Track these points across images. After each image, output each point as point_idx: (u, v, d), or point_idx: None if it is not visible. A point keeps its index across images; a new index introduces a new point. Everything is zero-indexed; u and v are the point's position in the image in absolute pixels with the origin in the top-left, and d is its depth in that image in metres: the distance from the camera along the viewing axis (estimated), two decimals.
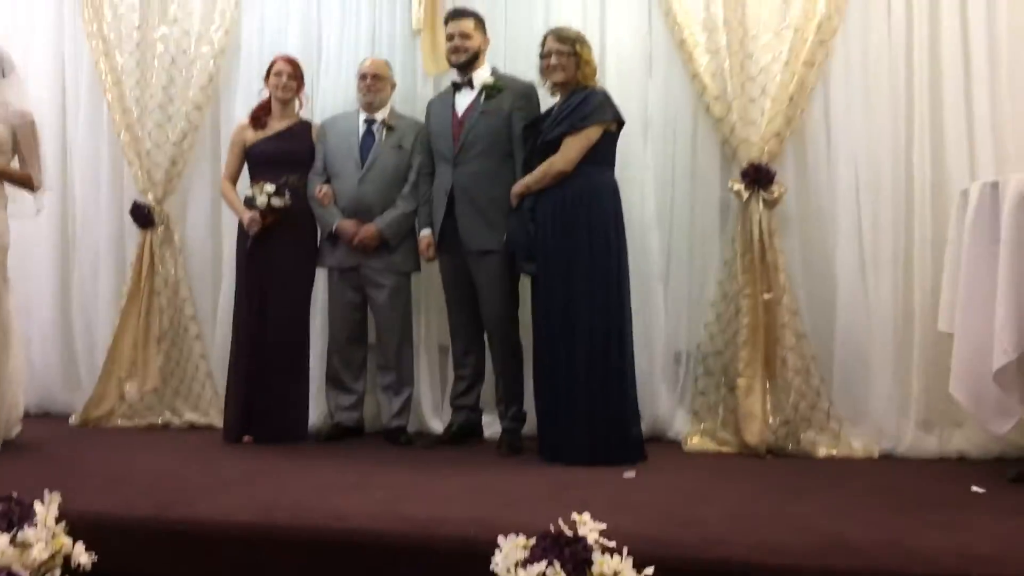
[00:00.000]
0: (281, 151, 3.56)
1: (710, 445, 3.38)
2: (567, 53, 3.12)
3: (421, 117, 3.64)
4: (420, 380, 3.76)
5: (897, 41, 3.41)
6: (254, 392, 3.49)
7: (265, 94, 3.69)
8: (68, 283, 4.21)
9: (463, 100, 3.39)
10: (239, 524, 2.23)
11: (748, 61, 3.47)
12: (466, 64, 3.38)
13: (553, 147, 3.09)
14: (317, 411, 3.75)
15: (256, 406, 3.49)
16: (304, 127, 3.68)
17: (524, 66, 3.48)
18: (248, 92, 4.00)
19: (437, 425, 3.71)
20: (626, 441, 3.03)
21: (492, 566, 1.93)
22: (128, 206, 4.03)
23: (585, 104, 3.06)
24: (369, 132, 3.59)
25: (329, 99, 3.90)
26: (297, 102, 3.71)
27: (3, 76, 3.30)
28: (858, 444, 3.28)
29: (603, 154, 3.11)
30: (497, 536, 1.98)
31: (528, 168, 3.18)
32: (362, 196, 3.50)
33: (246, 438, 3.50)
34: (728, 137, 3.47)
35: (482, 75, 3.39)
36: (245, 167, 3.69)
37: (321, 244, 3.61)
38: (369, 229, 3.44)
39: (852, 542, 2.08)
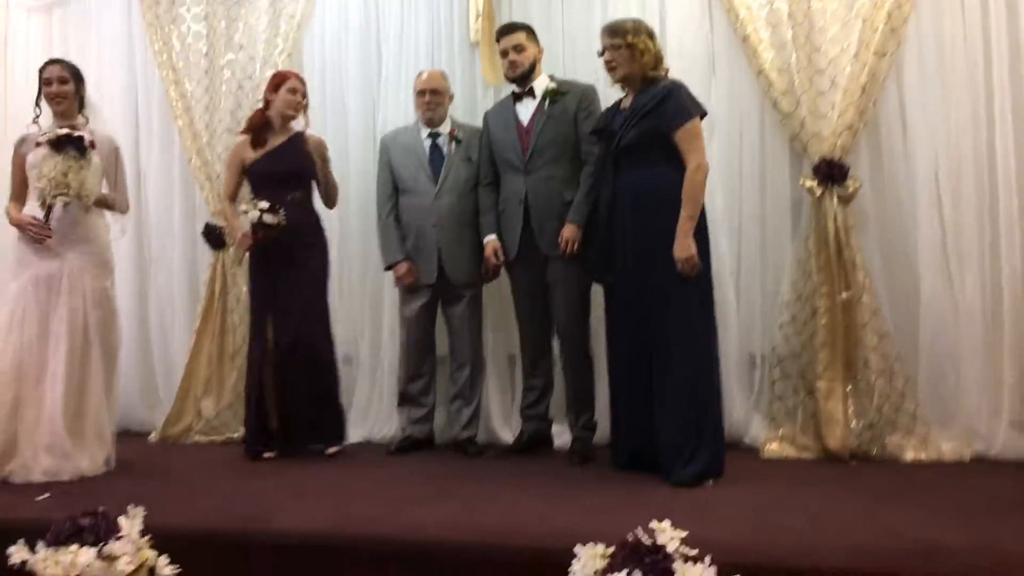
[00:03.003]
0: (281, 169, 3.48)
1: (789, 451, 3.26)
2: (619, 47, 2.95)
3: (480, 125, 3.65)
4: (489, 391, 3.75)
5: (973, 24, 3.27)
6: (275, 408, 3.45)
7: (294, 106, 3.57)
8: (146, 304, 4.35)
9: (526, 109, 3.39)
10: (315, 535, 2.24)
11: (816, 54, 3.37)
12: (523, 77, 3.38)
13: (633, 150, 2.89)
14: (391, 424, 3.77)
15: (278, 421, 3.45)
16: (298, 139, 3.58)
17: (583, 66, 3.48)
18: (312, 112, 4.08)
19: (507, 435, 3.69)
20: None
21: (571, 574, 1.88)
22: (200, 228, 4.15)
23: (671, 101, 2.85)
24: (435, 146, 3.61)
25: (391, 113, 3.95)
26: (304, 119, 3.64)
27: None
28: (947, 447, 3.13)
29: (677, 153, 2.88)
30: (574, 545, 1.94)
31: (602, 171, 3.01)
32: (440, 210, 3.52)
33: (267, 454, 3.43)
34: (798, 132, 3.37)
35: (542, 82, 3.39)
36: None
37: (396, 264, 3.58)
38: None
39: (949, 547, 1.97)
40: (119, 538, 1.99)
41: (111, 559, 1.92)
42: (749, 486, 2.74)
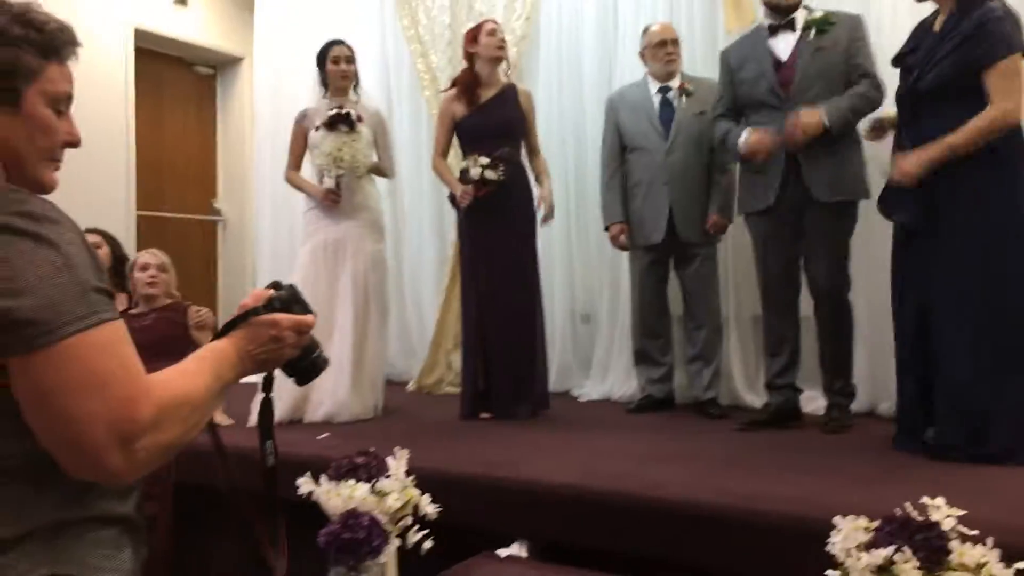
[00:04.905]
0: (493, 123, 3.43)
1: None
2: None
3: None
4: (731, 353, 3.64)
5: None
6: (488, 370, 3.42)
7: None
8: (400, 263, 4.67)
9: (783, 42, 3.08)
10: (559, 486, 2.29)
11: None
12: (788, 10, 3.08)
13: (937, 93, 2.43)
14: (630, 383, 3.80)
15: (491, 383, 3.41)
16: (511, 92, 3.52)
17: None
18: (548, 73, 4.16)
19: (751, 398, 3.56)
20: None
21: (829, 546, 1.77)
22: (447, 192, 4.37)
23: (988, 28, 2.34)
24: (666, 101, 3.52)
25: (628, 70, 3.89)
26: (505, 64, 3.57)
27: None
28: None
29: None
30: (829, 516, 1.82)
31: (901, 113, 2.58)
32: (671, 167, 3.44)
33: (484, 415, 3.41)
34: None
35: (801, 13, 3.09)
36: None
37: (631, 225, 3.55)
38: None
39: None
40: (388, 476, 2.16)
41: (382, 495, 2.10)
42: None
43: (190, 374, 1.04)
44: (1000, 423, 2.41)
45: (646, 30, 3.59)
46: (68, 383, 0.90)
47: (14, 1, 1.03)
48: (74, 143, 1.10)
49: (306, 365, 1.22)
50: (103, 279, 0.98)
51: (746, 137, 3.04)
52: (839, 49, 2.98)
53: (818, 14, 3.05)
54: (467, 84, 3.49)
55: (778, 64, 3.07)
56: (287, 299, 1.17)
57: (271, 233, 5.04)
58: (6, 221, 0.92)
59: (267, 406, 1.26)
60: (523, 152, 3.55)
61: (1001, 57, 2.35)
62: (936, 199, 2.48)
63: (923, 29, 2.61)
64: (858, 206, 3.04)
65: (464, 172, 3.41)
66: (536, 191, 3.54)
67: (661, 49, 3.48)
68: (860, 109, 2.94)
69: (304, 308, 1.19)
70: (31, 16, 1.02)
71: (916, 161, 2.44)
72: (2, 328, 0.89)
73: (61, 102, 1.07)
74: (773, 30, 3.11)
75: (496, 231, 3.41)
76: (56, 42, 1.05)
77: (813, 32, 3.03)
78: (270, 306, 1.15)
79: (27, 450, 0.94)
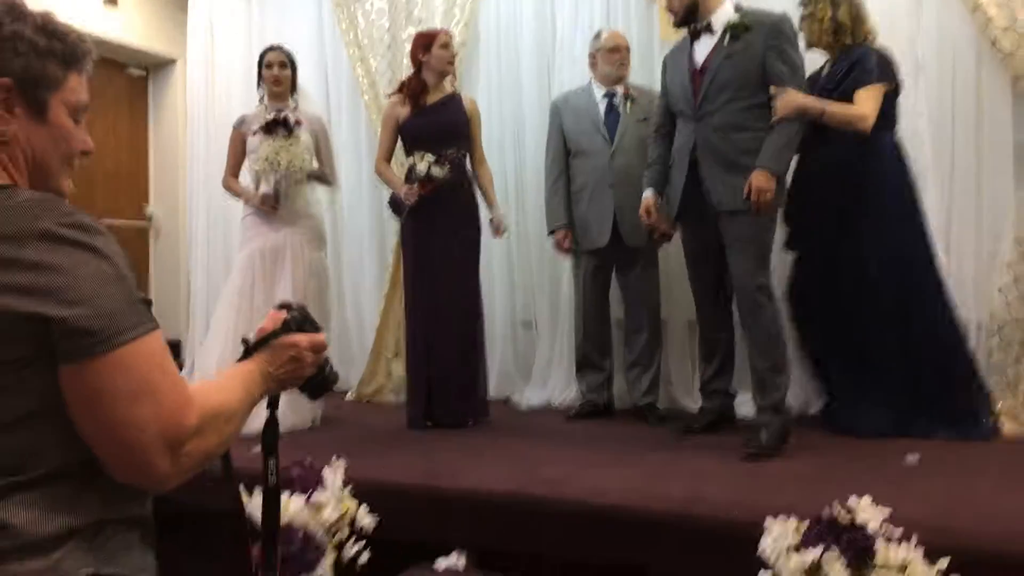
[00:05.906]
0: (436, 125, 3.39)
1: (1010, 427, 2.95)
2: (805, 16, 2.98)
3: (658, 85, 3.53)
4: (669, 358, 3.68)
5: None
6: (432, 378, 3.37)
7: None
8: (339, 271, 4.57)
9: (703, 47, 2.90)
10: (500, 494, 2.29)
11: None
12: (688, 16, 2.90)
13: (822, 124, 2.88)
14: (570, 390, 3.81)
15: (431, 391, 3.38)
16: (456, 99, 3.50)
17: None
18: (488, 79, 4.15)
19: (688, 403, 3.60)
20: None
21: (760, 550, 1.81)
22: (387, 197, 4.33)
23: (857, 67, 2.92)
24: (611, 106, 3.54)
25: (566, 76, 3.91)
26: (452, 76, 3.59)
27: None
28: None
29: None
30: (762, 518, 1.87)
31: (805, 141, 2.92)
32: (616, 171, 3.46)
33: (428, 423, 3.38)
34: (1023, 72, 3.00)
35: (724, 15, 2.86)
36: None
37: (575, 230, 3.55)
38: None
39: None
40: (324, 488, 2.13)
41: (318, 507, 2.07)
42: (961, 465, 2.52)
43: (225, 389, 1.10)
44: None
45: (598, 35, 3.59)
46: (121, 390, 0.94)
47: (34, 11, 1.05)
48: (88, 151, 1.12)
49: (319, 380, 1.28)
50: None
51: (644, 197, 3.13)
52: (751, 54, 2.79)
53: (735, 18, 2.84)
54: (413, 90, 3.43)
55: (695, 71, 2.92)
56: (300, 320, 1.23)
57: (205, 238, 4.90)
58: (61, 232, 0.95)
59: (272, 424, 1.28)
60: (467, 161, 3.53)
61: (869, 83, 2.90)
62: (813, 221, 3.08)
63: (815, 76, 3.07)
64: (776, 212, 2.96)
65: (411, 169, 3.36)
66: (489, 212, 3.51)
67: (615, 54, 3.49)
68: (793, 141, 2.81)
69: (315, 327, 1.25)
70: (54, 27, 1.05)
71: (792, 102, 2.75)
72: (61, 336, 0.92)
73: (79, 111, 1.09)
74: (695, 35, 2.94)
75: (440, 238, 3.38)
76: (77, 52, 1.07)
77: (728, 37, 2.83)
78: (287, 327, 1.21)
79: (71, 453, 0.96)
